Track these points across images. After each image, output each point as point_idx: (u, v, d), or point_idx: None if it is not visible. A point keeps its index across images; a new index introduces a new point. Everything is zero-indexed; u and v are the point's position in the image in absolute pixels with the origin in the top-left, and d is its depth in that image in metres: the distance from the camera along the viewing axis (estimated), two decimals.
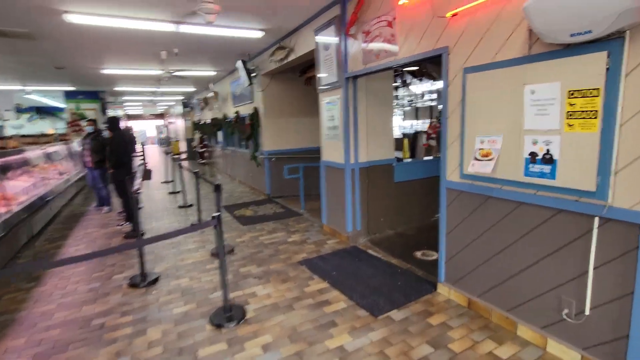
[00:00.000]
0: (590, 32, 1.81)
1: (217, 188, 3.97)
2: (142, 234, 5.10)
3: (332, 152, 4.66)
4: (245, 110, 8.09)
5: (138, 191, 4.05)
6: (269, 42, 5.94)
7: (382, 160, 4.56)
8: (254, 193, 8.01)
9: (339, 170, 4.53)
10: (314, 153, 6.80)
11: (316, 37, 4.58)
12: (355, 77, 4.12)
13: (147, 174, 6.24)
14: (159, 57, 6.30)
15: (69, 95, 10.97)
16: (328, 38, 4.33)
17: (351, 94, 4.20)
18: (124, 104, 17.35)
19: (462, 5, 2.59)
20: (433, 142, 5.24)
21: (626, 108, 1.82)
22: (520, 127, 2.29)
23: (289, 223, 5.50)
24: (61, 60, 6.63)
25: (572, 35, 1.88)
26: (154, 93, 12.96)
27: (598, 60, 1.87)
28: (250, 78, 6.68)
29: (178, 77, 8.11)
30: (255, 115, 7.34)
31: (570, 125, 2.03)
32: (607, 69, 1.85)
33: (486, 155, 2.55)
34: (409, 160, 5.25)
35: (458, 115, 2.77)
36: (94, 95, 11.34)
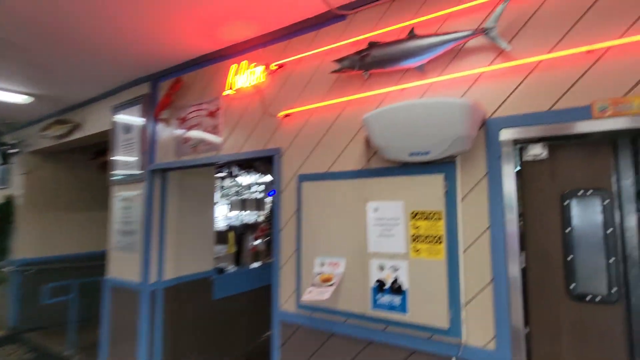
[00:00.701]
0: (428, 153, 1.70)
1: None
2: None
3: (124, 267, 3.34)
4: None
5: None
6: (44, 112, 4.41)
7: (197, 273, 3.56)
8: None
9: (132, 293, 3.22)
10: (102, 259, 5.03)
11: (115, 116, 3.57)
12: (165, 170, 3.25)
13: None
14: None
15: None
16: (131, 119, 3.41)
17: (158, 191, 3.24)
18: None
19: (294, 106, 2.32)
20: (261, 246, 4.67)
21: (467, 234, 1.71)
22: (365, 249, 1.95)
23: None
24: None
25: (411, 154, 1.74)
26: None
27: (437, 183, 1.76)
28: (5, 156, 4.69)
29: None
30: (7, 207, 5.06)
31: (417, 251, 1.79)
32: (446, 192, 1.75)
33: (327, 281, 2.07)
34: (233, 269, 4.44)
35: (293, 228, 2.28)
36: None
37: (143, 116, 3.27)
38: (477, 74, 1.71)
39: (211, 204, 3.87)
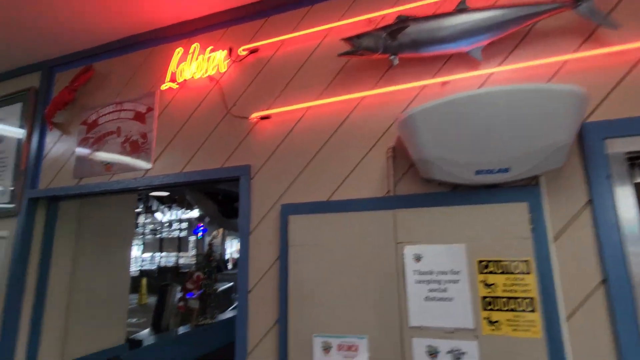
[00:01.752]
0: (507, 170, 1.12)
1: None
2: None
3: None
4: None
5: None
6: None
7: (99, 352, 2.40)
8: None
9: None
10: None
11: None
12: (55, 199, 2.16)
13: None
14: None
15: None
16: (4, 124, 2.29)
17: (40, 230, 2.12)
18: None
19: (275, 106, 1.61)
20: (194, 303, 3.55)
21: (568, 294, 1.12)
22: (402, 322, 1.23)
23: None
24: None
25: (478, 172, 1.14)
26: None
27: (518, 215, 1.18)
28: None
29: None
30: None
31: (492, 323, 1.14)
32: (532, 229, 1.16)
33: None
34: (152, 337, 3.26)
35: (272, 288, 1.47)
36: None
37: (25, 119, 2.20)
38: (560, 62, 1.23)
39: (127, 247, 2.78)
